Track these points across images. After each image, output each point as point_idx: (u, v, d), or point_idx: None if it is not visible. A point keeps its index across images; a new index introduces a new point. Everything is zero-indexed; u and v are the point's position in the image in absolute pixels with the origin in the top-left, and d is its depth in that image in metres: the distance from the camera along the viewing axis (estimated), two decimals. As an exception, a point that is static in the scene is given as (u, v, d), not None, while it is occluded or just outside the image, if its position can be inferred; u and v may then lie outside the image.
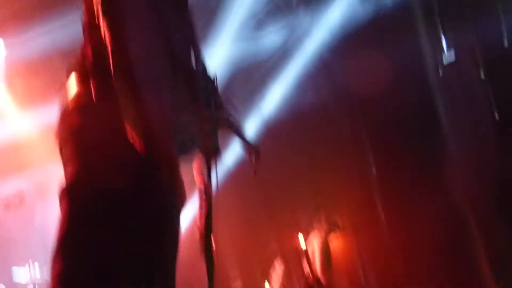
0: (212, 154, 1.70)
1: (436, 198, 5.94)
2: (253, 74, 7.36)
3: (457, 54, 6.14)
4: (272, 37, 7.42)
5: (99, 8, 1.32)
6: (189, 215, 1.91)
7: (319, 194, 7.27)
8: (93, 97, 1.41)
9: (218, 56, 6.84)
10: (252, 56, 7.25)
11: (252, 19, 7.14)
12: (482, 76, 5.83)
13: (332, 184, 7.13)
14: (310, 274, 6.23)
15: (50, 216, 7.75)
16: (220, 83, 1.82)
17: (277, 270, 6.80)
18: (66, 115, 1.48)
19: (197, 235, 1.82)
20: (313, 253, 6.42)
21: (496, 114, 5.71)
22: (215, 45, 6.88)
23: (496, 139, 5.67)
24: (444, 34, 6.18)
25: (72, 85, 1.48)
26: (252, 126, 7.11)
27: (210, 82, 1.77)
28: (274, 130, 7.34)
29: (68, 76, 1.51)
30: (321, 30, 7.30)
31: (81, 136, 1.40)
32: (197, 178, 2.05)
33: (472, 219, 5.91)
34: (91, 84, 1.41)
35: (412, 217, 6.21)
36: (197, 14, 1.68)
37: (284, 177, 7.22)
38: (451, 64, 6.21)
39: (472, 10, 5.84)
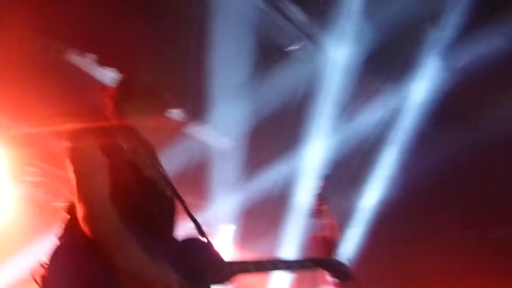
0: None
1: None
2: (350, 163, 7.38)
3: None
4: (365, 121, 7.45)
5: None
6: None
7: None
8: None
9: (314, 155, 7.03)
10: (348, 146, 7.32)
11: (342, 111, 7.26)
12: None
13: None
14: None
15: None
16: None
17: None
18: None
19: None
20: None
21: None
22: (309, 145, 7.09)
23: None
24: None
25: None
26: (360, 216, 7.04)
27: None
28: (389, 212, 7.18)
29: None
30: (412, 104, 7.21)
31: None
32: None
33: None
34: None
35: None
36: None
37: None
38: None
39: None
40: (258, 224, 8.23)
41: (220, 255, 1.86)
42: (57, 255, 1.55)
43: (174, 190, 1.92)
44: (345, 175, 7.14)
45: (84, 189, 1.60)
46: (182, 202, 2.01)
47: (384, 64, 6.63)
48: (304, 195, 7.25)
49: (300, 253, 7.84)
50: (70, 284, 1.49)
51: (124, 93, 2.07)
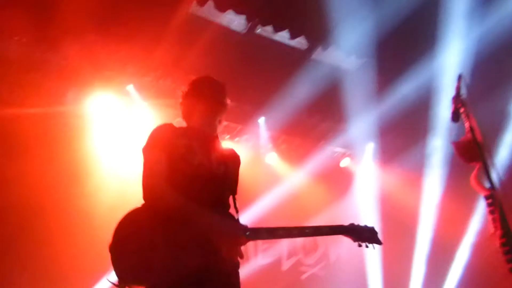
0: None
1: None
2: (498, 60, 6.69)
3: None
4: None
5: None
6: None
7: None
8: None
9: (451, 58, 6.51)
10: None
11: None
12: None
13: None
14: None
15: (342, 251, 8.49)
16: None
17: None
18: None
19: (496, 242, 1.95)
20: None
21: None
22: (445, 48, 6.56)
23: None
24: None
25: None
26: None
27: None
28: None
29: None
30: None
31: None
32: (477, 188, 2.20)
33: None
34: None
35: None
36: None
37: None
38: None
39: None
40: (398, 139, 8.04)
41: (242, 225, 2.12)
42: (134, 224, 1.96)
43: (226, 170, 2.26)
44: (491, 75, 6.51)
45: (145, 175, 2.05)
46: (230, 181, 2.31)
47: None
48: (444, 102, 6.85)
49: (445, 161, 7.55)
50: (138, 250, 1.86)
51: None
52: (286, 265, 8.02)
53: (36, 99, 5.86)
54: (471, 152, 2.27)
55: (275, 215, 7.60)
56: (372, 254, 8.07)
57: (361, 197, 8.52)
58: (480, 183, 2.09)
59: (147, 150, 2.11)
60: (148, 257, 1.82)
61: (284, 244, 8.07)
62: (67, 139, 6.08)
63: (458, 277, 7.61)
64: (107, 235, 1.93)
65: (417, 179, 8.09)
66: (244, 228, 2.07)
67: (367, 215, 8.30)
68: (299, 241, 8.23)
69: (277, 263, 7.92)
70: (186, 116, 2.43)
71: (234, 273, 2.09)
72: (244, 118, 7.47)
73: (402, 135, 7.88)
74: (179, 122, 2.53)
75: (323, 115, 7.73)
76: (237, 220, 2.14)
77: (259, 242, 7.76)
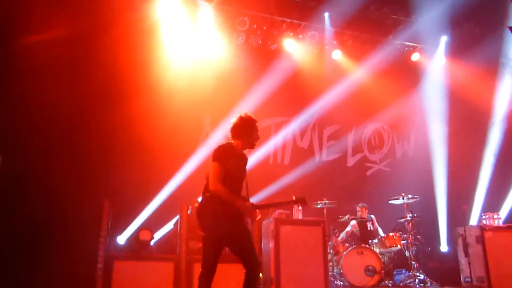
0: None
1: None
2: None
3: None
4: None
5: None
6: None
7: None
8: None
9: None
10: None
11: None
12: None
13: None
14: None
15: (408, 147, 8.48)
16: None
17: None
18: None
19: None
20: None
21: None
22: None
23: None
24: None
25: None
26: None
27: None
28: None
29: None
30: None
31: None
32: None
33: None
34: None
35: None
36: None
37: None
38: None
39: None
40: (473, 32, 7.55)
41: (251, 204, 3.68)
42: (203, 205, 3.61)
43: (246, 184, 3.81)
44: None
45: (211, 176, 3.56)
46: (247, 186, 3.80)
47: None
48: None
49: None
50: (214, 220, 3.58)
51: None
52: (351, 161, 8.19)
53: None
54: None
55: (342, 110, 7.68)
56: (439, 151, 8.03)
57: (431, 92, 8.27)
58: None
59: (213, 162, 3.58)
60: (206, 221, 3.58)
61: (349, 141, 8.18)
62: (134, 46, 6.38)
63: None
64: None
65: (492, 76, 7.66)
66: (252, 204, 3.65)
67: (435, 109, 8.14)
68: (364, 137, 8.32)
69: (342, 159, 8.12)
70: (233, 138, 3.76)
71: (246, 233, 3.65)
72: (309, 14, 7.28)
73: (478, 27, 7.38)
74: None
75: (392, 7, 7.34)
76: (248, 200, 3.73)
77: (324, 139, 8.04)
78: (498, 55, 7.50)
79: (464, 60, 7.81)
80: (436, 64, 8.27)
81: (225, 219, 3.52)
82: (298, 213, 5.49)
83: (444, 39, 8.04)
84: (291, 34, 7.50)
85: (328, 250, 5.56)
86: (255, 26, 7.25)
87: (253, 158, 6.63)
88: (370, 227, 6.50)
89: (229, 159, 3.63)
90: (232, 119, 3.76)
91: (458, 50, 7.96)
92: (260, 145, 6.84)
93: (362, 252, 5.78)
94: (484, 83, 7.66)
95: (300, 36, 7.56)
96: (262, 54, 7.46)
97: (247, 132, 3.74)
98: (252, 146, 3.77)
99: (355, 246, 5.91)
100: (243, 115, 3.79)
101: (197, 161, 6.58)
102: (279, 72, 7.22)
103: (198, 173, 6.22)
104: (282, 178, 7.02)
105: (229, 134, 3.79)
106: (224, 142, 3.72)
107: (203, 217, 3.56)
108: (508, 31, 6.82)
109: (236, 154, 3.72)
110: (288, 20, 7.37)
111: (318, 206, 6.04)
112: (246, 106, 6.39)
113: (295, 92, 7.51)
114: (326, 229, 5.31)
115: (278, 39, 7.56)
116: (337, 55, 7.83)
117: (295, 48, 7.64)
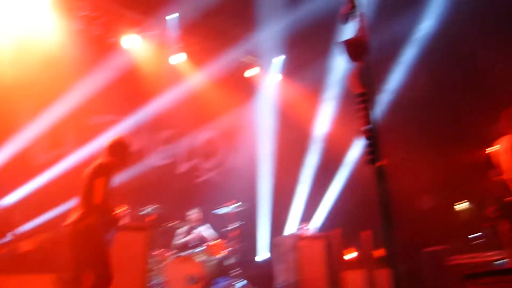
0: None
1: None
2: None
3: None
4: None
5: None
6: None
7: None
8: None
9: None
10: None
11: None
12: None
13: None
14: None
15: (238, 158, 8.74)
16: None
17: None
18: None
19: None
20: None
21: None
22: None
23: None
24: None
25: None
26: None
27: None
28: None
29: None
30: None
31: None
32: (353, 85, 2.34)
33: None
34: None
35: None
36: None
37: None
38: None
39: None
40: (305, 53, 8.13)
41: None
42: None
43: None
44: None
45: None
46: None
47: None
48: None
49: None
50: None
51: None
52: (183, 167, 8.11)
53: None
54: (357, 51, 2.36)
55: (178, 115, 7.57)
56: (265, 164, 8.45)
57: (263, 108, 8.68)
58: (357, 81, 2.30)
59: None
60: None
61: (183, 147, 8.11)
62: None
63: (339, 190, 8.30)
64: None
65: (316, 98, 8.38)
66: None
67: (265, 124, 8.57)
68: (198, 144, 8.34)
69: (174, 164, 8.00)
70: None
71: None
72: (155, 13, 7.03)
73: (310, 50, 7.97)
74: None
75: (236, 21, 7.52)
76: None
77: (157, 143, 7.82)
78: (323, 78, 8.21)
79: (295, 80, 8.39)
80: (271, 82, 8.74)
81: None
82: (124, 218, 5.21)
83: (281, 58, 8.52)
84: (133, 30, 7.16)
85: (152, 258, 5.38)
86: (95, 15, 6.75)
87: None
88: (197, 234, 6.48)
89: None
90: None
91: (291, 69, 8.51)
92: (85, 143, 6.37)
93: (185, 260, 5.72)
94: (309, 104, 8.34)
95: (142, 34, 7.27)
96: (99, 46, 6.95)
97: None
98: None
99: (179, 254, 5.81)
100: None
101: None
102: (115, 68, 6.78)
103: None
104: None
105: None
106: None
107: None
108: (336, 49, 7.47)
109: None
110: (132, 16, 7.05)
111: (145, 212, 5.82)
112: (73, 99, 5.87)
113: (130, 91, 7.09)
114: (150, 236, 5.11)
115: (119, 33, 7.14)
116: (179, 58, 7.73)
117: (136, 45, 7.29)
